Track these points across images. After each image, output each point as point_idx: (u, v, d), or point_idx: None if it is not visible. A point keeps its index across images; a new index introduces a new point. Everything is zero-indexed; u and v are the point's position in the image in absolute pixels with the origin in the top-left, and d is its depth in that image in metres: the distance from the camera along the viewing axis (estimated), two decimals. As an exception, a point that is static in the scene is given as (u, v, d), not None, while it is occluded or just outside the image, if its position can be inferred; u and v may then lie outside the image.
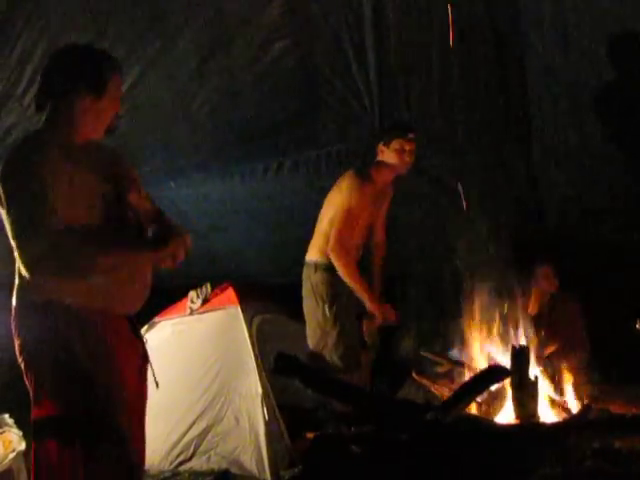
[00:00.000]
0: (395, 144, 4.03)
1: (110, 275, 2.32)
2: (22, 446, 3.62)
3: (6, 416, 3.56)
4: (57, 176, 2.20)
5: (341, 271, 3.99)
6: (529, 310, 4.39)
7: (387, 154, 4.05)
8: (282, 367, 3.15)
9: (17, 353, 2.36)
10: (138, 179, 2.59)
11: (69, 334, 2.29)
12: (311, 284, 4.13)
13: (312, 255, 4.17)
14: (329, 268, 4.05)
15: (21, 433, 3.74)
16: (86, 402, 2.28)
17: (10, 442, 3.27)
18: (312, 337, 4.13)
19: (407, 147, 4.04)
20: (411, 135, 4.04)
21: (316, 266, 4.11)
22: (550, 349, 3.84)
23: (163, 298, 4.75)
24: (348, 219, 3.98)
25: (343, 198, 4.01)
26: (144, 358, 2.61)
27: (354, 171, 4.10)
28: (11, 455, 3.20)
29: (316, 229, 4.18)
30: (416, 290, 4.55)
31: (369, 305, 4.02)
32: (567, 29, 4.46)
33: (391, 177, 4.15)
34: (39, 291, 2.29)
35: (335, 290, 4.03)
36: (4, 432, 3.38)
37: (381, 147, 4.08)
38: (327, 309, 4.04)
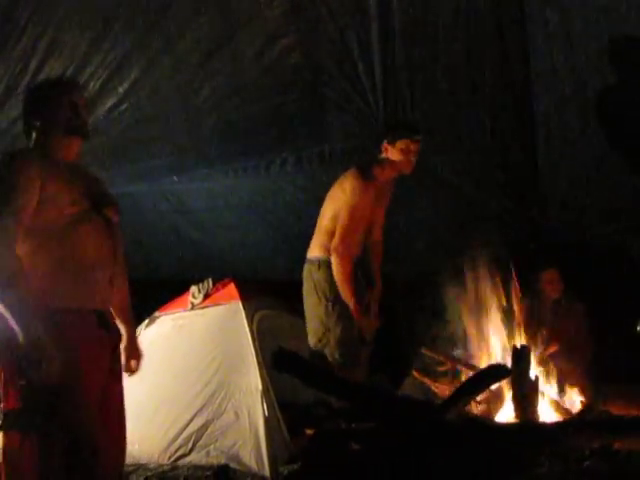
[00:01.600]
0: (401, 144, 4.02)
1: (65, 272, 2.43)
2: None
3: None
4: (32, 181, 2.40)
5: (337, 270, 3.97)
6: (532, 311, 4.39)
7: (392, 152, 4.05)
8: (281, 363, 3.15)
9: None
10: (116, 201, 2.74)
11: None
12: (313, 281, 4.11)
13: (314, 252, 4.16)
14: (331, 265, 4.04)
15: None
16: (41, 395, 2.32)
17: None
18: (314, 334, 4.11)
19: (412, 147, 4.03)
20: (417, 137, 4.05)
21: (319, 263, 4.10)
22: (551, 349, 3.84)
23: (164, 293, 4.77)
24: (352, 217, 3.97)
25: (346, 197, 4.00)
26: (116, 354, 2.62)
27: (357, 169, 4.09)
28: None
29: (317, 226, 4.18)
30: (416, 290, 4.55)
31: (353, 313, 4.00)
32: (572, 28, 4.44)
33: (393, 175, 4.14)
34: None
35: (337, 287, 4.02)
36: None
37: (386, 145, 4.07)
38: (330, 306, 4.02)
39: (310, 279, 4.14)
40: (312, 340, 4.11)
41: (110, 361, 2.56)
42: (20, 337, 2.24)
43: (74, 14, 4.33)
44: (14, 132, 4.25)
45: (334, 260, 3.96)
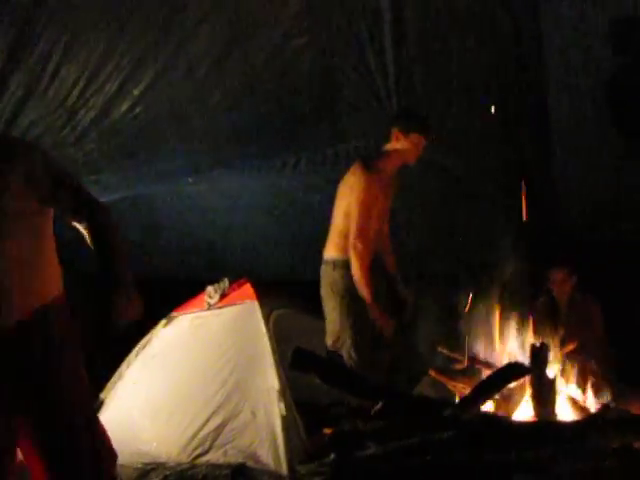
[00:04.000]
0: (415, 137, 4.05)
1: None
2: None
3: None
4: None
5: (355, 268, 3.97)
6: (548, 310, 4.37)
7: (402, 142, 4.06)
8: (299, 362, 3.18)
9: None
10: None
11: None
12: (330, 281, 4.13)
13: (330, 252, 4.18)
14: (347, 265, 4.04)
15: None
16: None
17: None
18: (331, 334, 4.13)
19: (424, 142, 4.06)
20: (431, 135, 4.08)
21: (334, 264, 4.11)
22: (569, 348, 3.82)
23: (181, 293, 4.80)
24: (364, 213, 3.98)
25: (355, 192, 4.00)
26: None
27: (360, 163, 4.10)
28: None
29: (332, 226, 4.19)
30: (431, 288, 4.54)
31: (370, 310, 4.00)
32: (587, 26, 4.43)
33: (398, 165, 4.15)
34: None
35: (354, 287, 4.02)
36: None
37: (397, 133, 4.07)
38: (347, 306, 4.03)
39: (327, 279, 4.15)
40: (329, 340, 4.13)
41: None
42: None
43: (90, 18, 4.37)
44: (33, 134, 4.29)
45: (352, 258, 3.97)
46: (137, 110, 4.54)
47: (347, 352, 4.00)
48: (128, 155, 4.74)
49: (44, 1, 4.06)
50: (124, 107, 4.52)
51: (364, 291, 3.95)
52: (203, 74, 4.66)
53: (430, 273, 4.66)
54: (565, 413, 3.40)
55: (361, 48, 4.70)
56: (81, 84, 4.33)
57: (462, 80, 4.80)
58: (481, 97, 4.80)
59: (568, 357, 3.76)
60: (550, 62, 4.63)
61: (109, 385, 4.51)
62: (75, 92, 4.33)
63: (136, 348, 4.56)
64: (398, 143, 4.07)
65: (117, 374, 4.53)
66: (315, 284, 4.25)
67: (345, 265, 4.05)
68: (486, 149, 4.94)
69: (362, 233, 3.96)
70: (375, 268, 4.10)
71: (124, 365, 4.54)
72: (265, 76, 4.76)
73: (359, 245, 3.95)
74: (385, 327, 4.04)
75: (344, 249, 4.07)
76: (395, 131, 4.08)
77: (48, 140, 4.40)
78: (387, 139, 4.19)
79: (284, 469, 3.81)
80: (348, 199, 4.03)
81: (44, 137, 4.40)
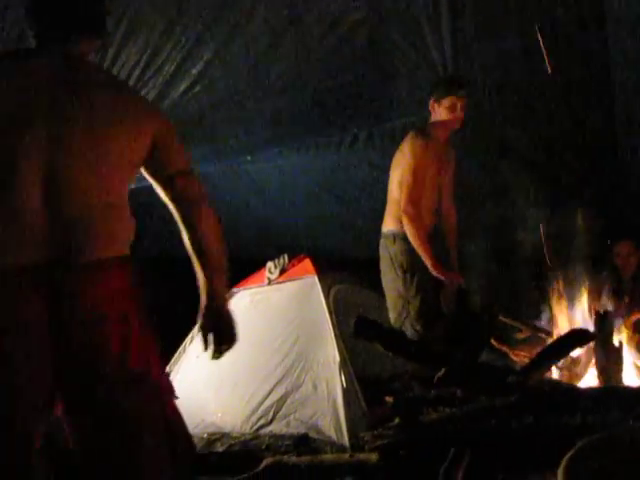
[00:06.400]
0: (446, 102, 4.01)
1: None
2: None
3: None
4: None
5: (410, 232, 3.94)
6: (613, 281, 4.31)
7: (439, 111, 4.03)
8: (362, 330, 3.20)
9: None
10: None
11: None
12: (390, 255, 4.11)
13: (388, 225, 4.16)
14: (407, 237, 4.03)
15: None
16: None
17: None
18: (393, 308, 4.12)
19: (459, 103, 4.01)
20: (462, 92, 4.01)
21: (394, 236, 4.10)
22: (635, 316, 3.75)
23: (241, 269, 4.87)
24: (416, 179, 3.96)
25: (407, 159, 3.99)
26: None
27: (414, 131, 4.09)
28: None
29: (388, 198, 4.18)
30: (493, 259, 4.50)
31: (433, 271, 3.96)
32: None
33: (447, 134, 4.12)
34: None
35: (414, 259, 4.00)
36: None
37: (432, 104, 4.05)
38: (408, 278, 4.02)
39: (386, 253, 4.14)
40: (392, 314, 4.12)
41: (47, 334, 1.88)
42: None
43: (148, 3, 4.46)
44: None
45: (405, 223, 3.95)
46: (196, 89, 4.61)
47: (411, 324, 3.99)
48: (188, 134, 4.82)
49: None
50: (183, 87, 4.60)
51: (423, 254, 3.94)
52: (260, 52, 4.70)
53: (495, 247, 4.58)
54: (631, 380, 3.34)
55: (416, 22, 4.65)
56: (141, 65, 4.41)
57: (521, 52, 4.71)
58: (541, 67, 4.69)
59: (634, 325, 3.70)
60: (614, 40, 4.49)
61: (174, 359, 4.63)
62: (136, 73, 4.42)
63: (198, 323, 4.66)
64: (435, 113, 4.05)
65: (181, 348, 4.65)
66: (374, 261, 4.25)
67: (405, 237, 4.03)
68: (546, 120, 4.84)
69: (413, 198, 3.94)
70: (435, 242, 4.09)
71: (187, 340, 4.65)
72: (320, 54, 4.77)
73: (410, 210, 3.93)
74: (453, 282, 4.01)
75: (402, 221, 4.06)
76: (430, 103, 4.07)
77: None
78: None
79: (346, 440, 3.86)
80: (401, 167, 4.03)
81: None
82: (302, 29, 4.63)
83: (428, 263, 3.92)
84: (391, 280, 4.13)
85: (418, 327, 3.96)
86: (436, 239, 4.11)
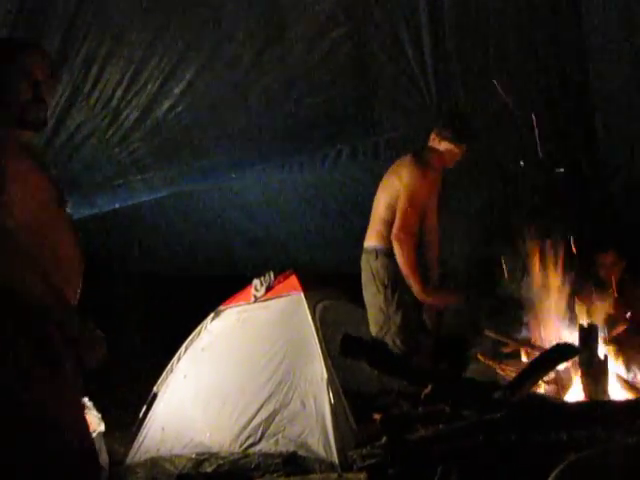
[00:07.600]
0: (456, 148, 4.05)
1: None
2: (102, 427, 3.80)
3: (86, 399, 3.72)
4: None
5: (401, 257, 3.98)
6: (597, 292, 4.34)
7: (441, 145, 4.08)
8: (349, 348, 3.21)
9: None
10: None
11: None
12: (372, 270, 4.15)
13: (371, 241, 4.20)
14: (389, 254, 4.07)
15: (100, 415, 3.91)
16: None
17: (90, 423, 3.41)
18: (375, 322, 4.16)
19: (457, 151, 4.06)
20: (462, 144, 4.05)
21: (377, 252, 4.14)
22: (619, 329, 3.79)
23: (226, 287, 4.87)
24: (412, 204, 3.99)
25: (404, 184, 4.02)
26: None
27: (413, 156, 4.11)
28: (92, 435, 3.33)
29: (372, 215, 4.21)
30: (477, 272, 4.53)
31: (420, 297, 4.01)
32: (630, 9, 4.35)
33: (442, 164, 4.15)
34: None
35: (396, 275, 4.05)
36: (85, 414, 3.51)
37: (434, 135, 4.09)
38: (389, 294, 4.06)
39: (368, 268, 4.18)
40: (374, 329, 4.16)
41: None
42: None
43: (130, 20, 4.46)
44: (80, 136, 4.40)
45: (396, 247, 3.99)
46: (179, 108, 4.60)
47: (391, 339, 4.03)
48: (171, 153, 4.82)
49: (87, 4, 4.13)
50: (165, 106, 4.59)
51: (412, 278, 3.97)
52: (242, 71, 4.71)
53: (478, 258, 4.62)
54: (616, 393, 3.37)
55: (398, 39, 4.68)
56: (124, 84, 4.41)
57: (500, 66, 4.75)
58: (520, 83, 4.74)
59: (618, 338, 3.73)
60: (592, 46, 4.55)
61: (161, 379, 4.61)
62: (119, 92, 4.41)
63: (185, 342, 4.66)
64: (434, 143, 4.08)
65: (168, 368, 4.63)
66: (358, 276, 4.27)
67: (387, 253, 4.07)
68: (526, 135, 4.88)
69: (407, 225, 3.98)
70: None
71: (175, 359, 4.63)
72: (303, 70, 4.79)
73: (402, 236, 3.97)
74: (430, 315, 4.06)
75: (386, 238, 4.09)
76: (434, 132, 4.10)
77: (94, 141, 4.50)
78: (427, 132, 4.21)
79: (335, 457, 3.87)
80: (396, 190, 4.05)
81: (90, 139, 4.50)
82: (283, 47, 4.65)
83: (415, 289, 3.96)
84: (372, 295, 4.17)
85: (398, 342, 4.00)
86: (420, 255, 4.14)
